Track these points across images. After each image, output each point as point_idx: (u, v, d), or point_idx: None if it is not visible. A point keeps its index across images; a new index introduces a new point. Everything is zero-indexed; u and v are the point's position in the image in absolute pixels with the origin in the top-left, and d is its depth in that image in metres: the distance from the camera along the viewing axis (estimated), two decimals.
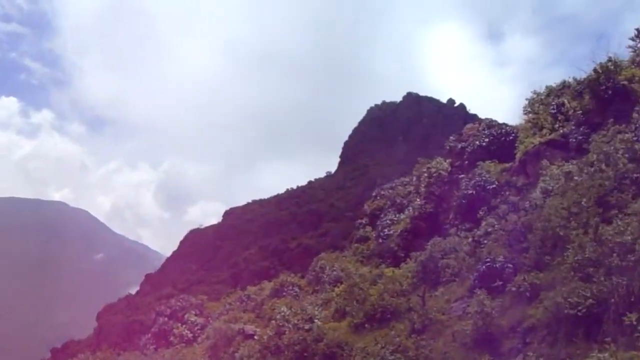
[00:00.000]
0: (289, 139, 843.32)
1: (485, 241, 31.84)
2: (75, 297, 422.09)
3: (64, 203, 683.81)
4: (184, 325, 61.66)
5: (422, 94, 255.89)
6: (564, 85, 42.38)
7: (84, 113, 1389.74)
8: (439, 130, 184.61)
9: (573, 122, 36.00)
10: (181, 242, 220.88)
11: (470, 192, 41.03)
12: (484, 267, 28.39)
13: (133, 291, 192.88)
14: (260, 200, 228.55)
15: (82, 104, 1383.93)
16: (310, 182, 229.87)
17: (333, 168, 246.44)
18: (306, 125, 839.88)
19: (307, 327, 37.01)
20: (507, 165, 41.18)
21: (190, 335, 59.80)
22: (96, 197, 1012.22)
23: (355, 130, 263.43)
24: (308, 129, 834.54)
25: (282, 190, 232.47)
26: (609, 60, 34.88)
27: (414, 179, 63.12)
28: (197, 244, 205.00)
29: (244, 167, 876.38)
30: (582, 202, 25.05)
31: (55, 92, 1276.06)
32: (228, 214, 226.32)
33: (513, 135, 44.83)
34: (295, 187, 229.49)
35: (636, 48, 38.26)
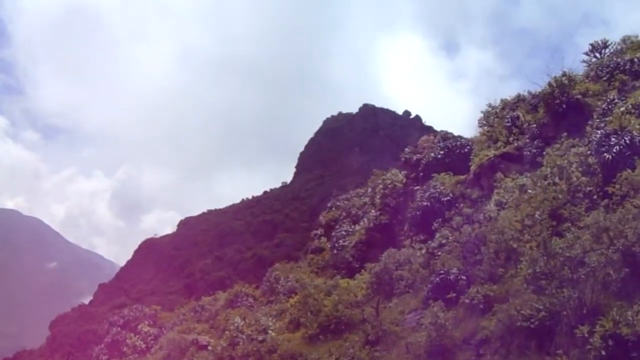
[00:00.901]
0: (246, 147, 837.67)
1: (440, 253, 31.77)
2: (27, 306, 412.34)
3: (16, 211, 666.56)
4: (137, 336, 60.46)
5: (378, 105, 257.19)
6: (519, 99, 42.92)
7: (38, 121, 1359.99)
8: (395, 141, 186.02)
9: (527, 135, 36.36)
10: (136, 252, 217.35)
11: (424, 204, 41.02)
12: (437, 278, 28.33)
13: (86, 301, 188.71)
14: (216, 210, 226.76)
15: (36, 112, 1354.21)
16: (265, 192, 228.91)
17: (289, 178, 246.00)
18: (263, 133, 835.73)
19: (261, 338, 36.61)
20: (461, 177, 41.33)
21: (143, 345, 58.64)
22: (50, 205, 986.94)
23: (312, 141, 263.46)
24: (265, 137, 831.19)
25: (237, 200, 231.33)
26: (564, 74, 35.32)
27: (369, 190, 63.12)
28: (152, 254, 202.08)
29: (200, 176, 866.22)
30: (536, 215, 25.15)
31: (8, 99, 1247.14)
32: (183, 223, 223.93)
33: (468, 147, 45.09)
34: (250, 197, 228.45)
35: (590, 62, 38.98)
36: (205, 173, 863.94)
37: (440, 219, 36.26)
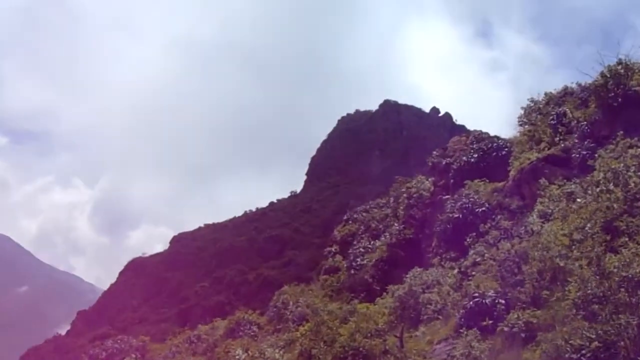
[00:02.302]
0: (250, 150, 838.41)
1: (474, 273, 31.63)
2: None
3: None
4: None
5: (401, 101, 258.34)
6: (566, 92, 42.74)
7: (4, 123, 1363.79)
8: (421, 143, 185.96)
9: (576, 135, 36.12)
10: (121, 273, 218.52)
11: (456, 215, 41.00)
12: (471, 303, 28.18)
13: (63, 331, 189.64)
14: (214, 225, 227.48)
15: (2, 114, 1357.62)
16: (272, 204, 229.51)
17: (298, 187, 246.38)
18: (270, 134, 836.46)
19: None
20: (499, 184, 41.24)
21: None
22: (20, 220, 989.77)
23: (325, 144, 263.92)
24: (272, 139, 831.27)
25: (239, 213, 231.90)
26: (619, 62, 34.74)
27: (392, 200, 63.27)
28: (140, 275, 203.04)
29: (197, 185, 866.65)
30: (587, 228, 24.88)
31: None
32: (177, 240, 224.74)
33: (506, 149, 44.98)
34: (254, 209, 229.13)
35: None
36: (203, 181, 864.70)
37: (474, 234, 36.16)
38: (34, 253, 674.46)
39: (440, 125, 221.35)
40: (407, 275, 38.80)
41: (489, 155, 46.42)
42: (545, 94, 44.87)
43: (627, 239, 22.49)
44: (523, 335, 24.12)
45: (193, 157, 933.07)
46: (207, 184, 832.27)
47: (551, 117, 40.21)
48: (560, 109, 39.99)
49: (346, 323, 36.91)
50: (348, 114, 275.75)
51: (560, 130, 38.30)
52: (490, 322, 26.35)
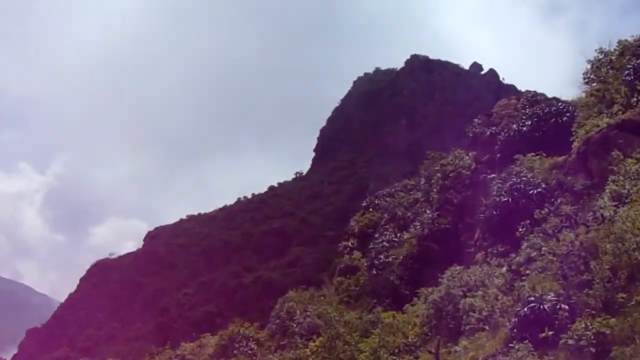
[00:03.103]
0: (245, 122, 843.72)
1: (528, 271, 31.54)
2: None
3: None
4: None
5: (433, 56, 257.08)
6: None
7: None
8: (459, 109, 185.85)
9: None
10: (82, 280, 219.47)
11: (504, 199, 40.92)
12: (526, 309, 28.08)
13: (8, 356, 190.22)
14: (201, 216, 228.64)
15: None
16: (272, 188, 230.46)
17: (306, 166, 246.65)
18: (269, 101, 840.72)
19: None
20: (559, 159, 41.10)
21: None
22: None
23: (338, 111, 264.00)
24: (272, 106, 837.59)
25: (231, 200, 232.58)
26: None
27: (423, 181, 63.18)
28: (107, 282, 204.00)
29: (178, 166, 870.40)
30: None
31: None
32: (153, 236, 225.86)
33: (568, 115, 44.83)
34: (250, 195, 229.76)
35: None
36: (186, 161, 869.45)
37: (528, 222, 36.03)
38: None
39: (483, 86, 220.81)
40: (444, 276, 38.71)
41: (546, 122, 46.20)
42: (619, 42, 44.38)
43: None
44: (593, 349, 24.00)
45: (174, 131, 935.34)
46: (192, 165, 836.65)
47: (626, 72, 39.83)
48: (638, 62, 39.69)
49: (367, 337, 37.11)
50: (366, 74, 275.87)
51: (638, 88, 38.03)
52: (550, 333, 26.23)
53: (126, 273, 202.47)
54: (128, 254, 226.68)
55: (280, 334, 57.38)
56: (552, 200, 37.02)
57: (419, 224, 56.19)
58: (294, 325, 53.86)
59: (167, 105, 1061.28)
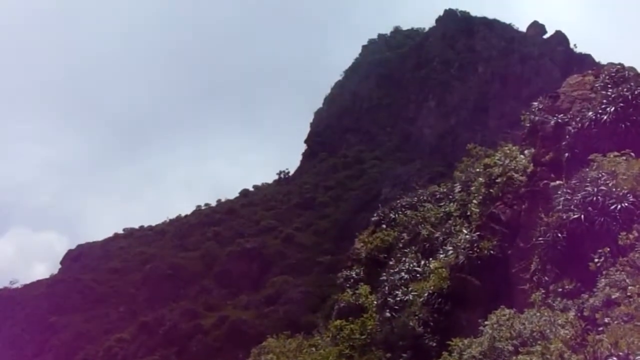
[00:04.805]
0: (212, 97, 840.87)
1: (607, 319, 31.55)
2: None
3: None
4: None
5: (475, 12, 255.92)
6: None
7: None
8: (511, 87, 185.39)
9: None
10: None
11: (575, 216, 40.75)
12: None
13: None
14: (143, 230, 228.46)
15: None
16: (245, 193, 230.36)
17: (292, 164, 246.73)
18: (246, 68, 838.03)
19: None
20: None
21: None
22: None
23: (339, 88, 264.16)
24: (250, 76, 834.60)
25: (187, 208, 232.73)
26: None
27: (458, 187, 63.18)
28: (5, 322, 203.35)
29: (115, 155, 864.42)
30: None
31: None
32: (74, 257, 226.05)
33: None
34: (214, 202, 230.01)
35: None
36: (125, 150, 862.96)
37: (608, 249, 36.04)
38: None
39: (546, 55, 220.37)
40: (487, 322, 38.67)
41: (638, 107, 46.18)
42: None
43: None
44: None
45: (115, 105, 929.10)
46: (134, 155, 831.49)
47: None
48: None
49: None
50: (381, 36, 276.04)
51: None
52: None
53: (34, 309, 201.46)
54: (37, 281, 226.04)
55: None
56: None
57: (451, 248, 56.11)
58: None
59: (107, 71, 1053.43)
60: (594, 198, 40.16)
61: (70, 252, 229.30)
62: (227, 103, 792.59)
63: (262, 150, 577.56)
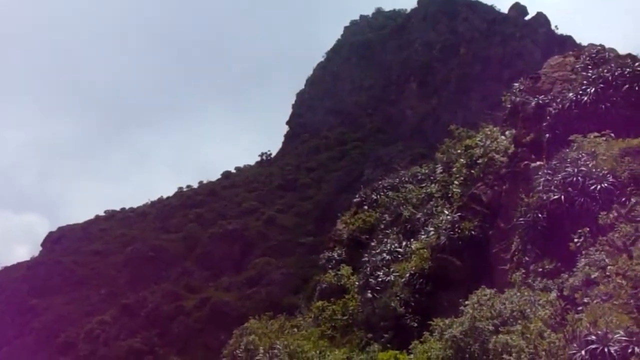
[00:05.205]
0: (193, 79, 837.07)
1: (586, 299, 31.65)
2: None
3: None
4: None
5: None
6: None
7: None
8: (492, 68, 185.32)
9: None
10: None
11: (555, 197, 40.88)
12: (584, 352, 28.20)
13: None
14: (125, 212, 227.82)
15: None
16: (227, 175, 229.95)
17: (274, 145, 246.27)
18: (230, 50, 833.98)
19: None
20: (634, 142, 41.16)
21: None
22: None
23: (321, 70, 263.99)
24: (233, 59, 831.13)
25: (169, 190, 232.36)
26: None
27: (439, 168, 63.20)
28: None
29: (100, 135, 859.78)
30: None
31: None
32: (55, 239, 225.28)
33: None
34: (196, 184, 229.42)
35: None
36: (113, 132, 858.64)
37: (587, 230, 36.15)
38: None
39: (527, 37, 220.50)
40: (467, 302, 38.76)
41: (617, 89, 46.27)
42: None
43: None
44: None
45: (97, 90, 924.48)
46: (120, 138, 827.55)
47: None
48: None
49: None
50: (363, 17, 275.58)
51: None
52: None
53: (14, 292, 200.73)
54: (18, 264, 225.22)
55: None
56: (624, 200, 37.07)
57: (433, 229, 56.17)
58: None
59: (94, 54, 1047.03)
60: (574, 179, 40.38)
61: (51, 234, 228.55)
62: (215, 86, 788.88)
63: (250, 134, 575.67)
